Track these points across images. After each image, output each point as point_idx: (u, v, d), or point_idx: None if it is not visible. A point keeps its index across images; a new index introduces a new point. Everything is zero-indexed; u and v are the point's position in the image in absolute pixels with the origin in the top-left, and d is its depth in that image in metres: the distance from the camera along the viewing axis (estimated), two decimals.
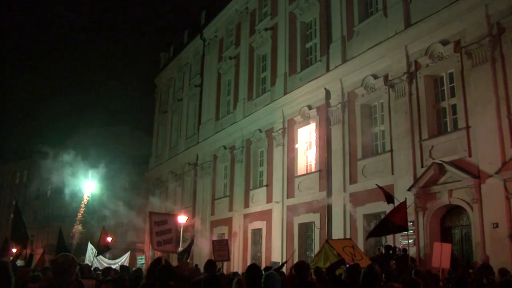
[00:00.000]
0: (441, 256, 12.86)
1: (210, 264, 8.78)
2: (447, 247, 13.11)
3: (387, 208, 16.34)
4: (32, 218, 66.01)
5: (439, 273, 12.28)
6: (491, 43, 14.37)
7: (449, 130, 15.72)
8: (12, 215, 12.32)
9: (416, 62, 16.78)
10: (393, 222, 12.64)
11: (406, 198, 13.55)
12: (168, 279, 5.92)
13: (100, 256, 24.81)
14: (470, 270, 12.82)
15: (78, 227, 43.23)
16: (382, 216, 17.09)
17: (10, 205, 72.41)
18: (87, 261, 23.69)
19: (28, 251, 13.68)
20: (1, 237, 15.77)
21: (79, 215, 50.57)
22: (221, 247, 18.98)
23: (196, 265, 22.68)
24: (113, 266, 19.64)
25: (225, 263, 20.66)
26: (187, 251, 23.03)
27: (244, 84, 27.78)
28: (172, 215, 14.78)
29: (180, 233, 25.51)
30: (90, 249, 23.37)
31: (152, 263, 5.56)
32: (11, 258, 13.44)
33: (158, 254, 14.04)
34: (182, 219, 26.82)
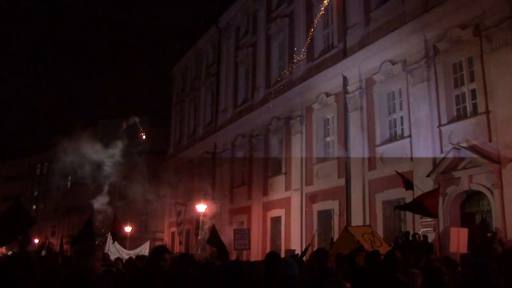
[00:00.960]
0: (459, 241, 12.84)
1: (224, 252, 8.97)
2: (464, 232, 13.07)
3: (406, 194, 16.36)
4: (53, 209, 67.07)
5: (457, 259, 12.28)
6: (511, 26, 14.17)
7: (468, 115, 15.57)
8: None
9: (434, 47, 16.61)
10: (424, 206, 12.58)
11: (439, 185, 13.42)
12: (188, 266, 5.98)
13: (119, 246, 25.07)
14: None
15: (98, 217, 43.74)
16: (401, 203, 17.15)
17: (32, 196, 73.65)
18: (106, 251, 23.96)
19: (52, 242, 13.92)
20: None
21: (98, 206, 51.25)
22: (242, 236, 19.11)
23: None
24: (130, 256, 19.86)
25: (244, 252, 20.80)
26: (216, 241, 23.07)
27: (262, 72, 27.75)
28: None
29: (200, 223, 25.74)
30: (110, 238, 23.63)
31: (154, 251, 5.61)
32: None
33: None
34: (201, 207, 27.06)
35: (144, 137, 39.51)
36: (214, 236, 17.95)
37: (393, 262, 6.13)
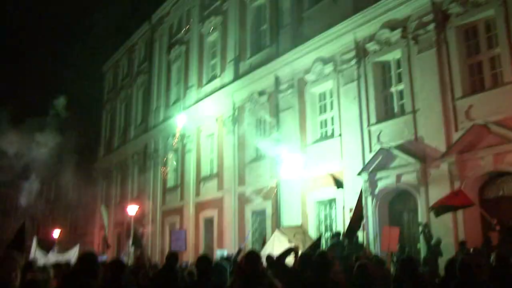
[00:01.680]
0: (390, 239, 13.04)
1: (172, 256, 8.75)
2: (395, 230, 13.30)
3: (336, 193, 16.54)
4: None
5: (386, 257, 12.46)
6: (436, 30, 14.60)
7: (396, 115, 15.90)
8: None
9: (364, 48, 16.87)
10: (456, 204, 12.39)
11: (463, 184, 13.36)
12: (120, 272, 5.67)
13: (45, 250, 24.03)
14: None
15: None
16: (333, 203, 17.33)
17: None
18: (33, 256, 22.88)
19: None
20: None
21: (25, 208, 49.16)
22: (179, 237, 18.82)
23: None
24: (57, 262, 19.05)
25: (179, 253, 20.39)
26: (139, 243, 22.71)
27: (194, 71, 27.37)
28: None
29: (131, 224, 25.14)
30: (35, 244, 22.54)
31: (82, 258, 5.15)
32: None
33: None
34: (132, 209, 26.35)
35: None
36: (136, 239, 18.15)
37: (325, 263, 6.05)
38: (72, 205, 44.80)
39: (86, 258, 5.03)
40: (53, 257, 23.04)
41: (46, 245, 21.74)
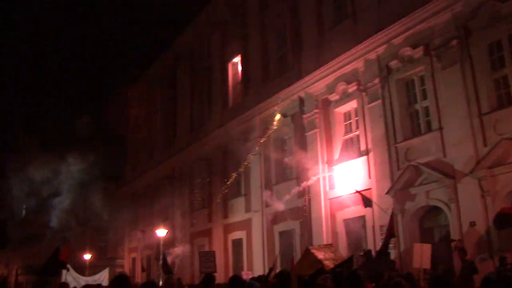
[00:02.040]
0: (422, 256, 13.01)
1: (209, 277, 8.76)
2: (427, 248, 13.27)
3: (366, 212, 16.54)
4: (6, 239, 64.66)
5: (418, 274, 12.43)
6: (459, 45, 14.64)
7: (423, 132, 15.92)
8: None
9: (387, 66, 16.98)
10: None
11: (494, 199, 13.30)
12: None
13: (76, 274, 24.42)
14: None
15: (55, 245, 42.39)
16: (362, 221, 17.33)
17: None
18: (64, 280, 23.23)
19: (4, 273, 13.38)
20: None
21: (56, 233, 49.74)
22: (208, 258, 18.98)
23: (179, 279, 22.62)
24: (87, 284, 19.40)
25: None
26: (167, 266, 22.84)
27: (218, 95, 27.72)
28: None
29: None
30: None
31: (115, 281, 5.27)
32: None
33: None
34: (161, 232, 26.60)
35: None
36: (165, 264, 18.37)
37: (357, 281, 6.14)
38: (101, 229, 45.30)
39: (120, 280, 5.20)
40: (83, 281, 23.39)
41: (77, 267, 22.07)
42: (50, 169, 59.51)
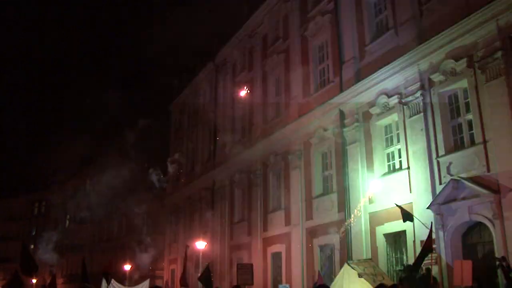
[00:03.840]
0: (462, 273, 12.70)
1: None
2: (467, 264, 12.95)
3: (407, 226, 16.26)
4: (51, 249, 66.29)
5: None
6: (504, 57, 14.32)
7: (466, 145, 15.59)
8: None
9: (429, 78, 16.76)
10: None
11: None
12: None
13: (118, 284, 24.74)
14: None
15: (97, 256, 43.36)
16: (402, 236, 17.05)
17: (30, 236, 73.00)
18: None
19: (49, 281, 13.79)
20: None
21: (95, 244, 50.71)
22: (245, 271, 18.99)
23: None
24: None
25: None
26: (207, 278, 22.88)
27: (259, 108, 27.90)
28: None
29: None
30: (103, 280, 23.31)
31: None
32: None
33: None
34: (201, 245, 26.83)
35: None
36: (206, 275, 18.20)
37: None
38: (142, 240, 45.94)
39: None
40: None
41: (117, 278, 22.37)
42: (92, 181, 60.90)
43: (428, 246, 13.90)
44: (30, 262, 12.27)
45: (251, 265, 20.59)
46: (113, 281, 23.00)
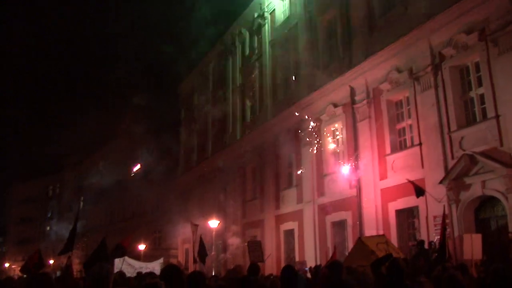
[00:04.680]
0: (472, 247, 12.72)
1: (252, 267, 8.82)
2: (477, 238, 12.96)
3: (419, 202, 16.25)
4: (66, 230, 67.15)
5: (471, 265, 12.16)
6: None
7: (478, 120, 15.48)
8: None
9: (440, 53, 16.58)
10: None
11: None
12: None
13: (132, 260, 25.02)
14: None
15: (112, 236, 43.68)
16: (414, 211, 17.06)
17: (45, 218, 73.96)
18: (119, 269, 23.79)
19: (66, 263, 14.00)
20: (33, 251, 16.14)
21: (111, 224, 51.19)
22: (256, 248, 19.11)
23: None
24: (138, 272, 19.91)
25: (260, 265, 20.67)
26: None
27: (269, 86, 27.83)
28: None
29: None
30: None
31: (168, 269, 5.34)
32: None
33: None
34: (213, 223, 27.03)
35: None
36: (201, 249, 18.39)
37: (397, 270, 6.00)
38: (156, 220, 46.40)
39: (170, 269, 5.30)
40: (137, 265, 23.94)
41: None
42: (106, 162, 61.34)
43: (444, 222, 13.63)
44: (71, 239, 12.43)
45: (260, 242, 20.69)
46: (126, 258, 23.27)
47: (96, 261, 9.61)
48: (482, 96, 15.49)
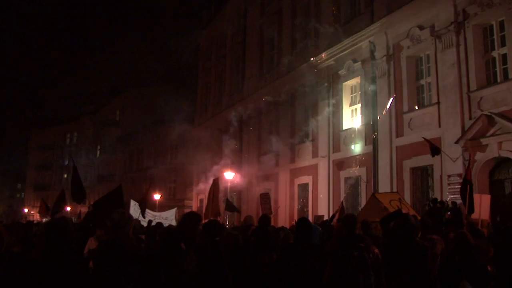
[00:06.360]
0: (481, 207, 12.82)
1: (263, 218, 8.98)
2: (486, 198, 13.03)
3: (434, 161, 16.30)
4: (82, 178, 68.21)
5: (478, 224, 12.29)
6: None
7: (499, 80, 15.30)
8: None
9: (464, 11, 16.26)
10: None
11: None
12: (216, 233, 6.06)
13: (152, 212, 25.60)
14: None
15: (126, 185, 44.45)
16: (429, 170, 17.11)
17: (62, 165, 75.15)
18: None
19: (82, 210, 14.40)
20: (55, 197, 16.71)
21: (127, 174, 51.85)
22: (266, 201, 19.45)
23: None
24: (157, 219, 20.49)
25: (272, 218, 21.03)
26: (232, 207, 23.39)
27: (288, 39, 27.54)
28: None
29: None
30: (133, 205, 24.08)
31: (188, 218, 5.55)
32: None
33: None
34: (229, 175, 27.35)
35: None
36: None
37: (407, 227, 5.95)
38: (171, 170, 47.02)
39: (190, 216, 5.51)
40: (151, 215, 24.51)
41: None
42: (122, 111, 61.75)
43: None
44: (80, 188, 12.75)
45: (268, 194, 20.95)
46: (147, 210, 23.80)
47: (110, 205, 9.79)
48: (504, 56, 15.25)
